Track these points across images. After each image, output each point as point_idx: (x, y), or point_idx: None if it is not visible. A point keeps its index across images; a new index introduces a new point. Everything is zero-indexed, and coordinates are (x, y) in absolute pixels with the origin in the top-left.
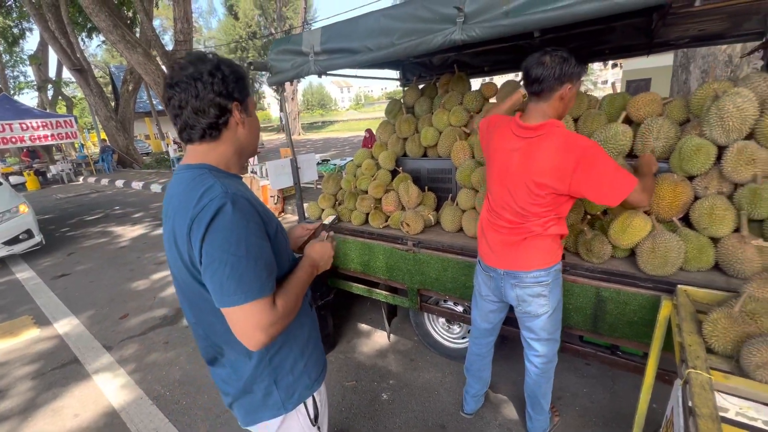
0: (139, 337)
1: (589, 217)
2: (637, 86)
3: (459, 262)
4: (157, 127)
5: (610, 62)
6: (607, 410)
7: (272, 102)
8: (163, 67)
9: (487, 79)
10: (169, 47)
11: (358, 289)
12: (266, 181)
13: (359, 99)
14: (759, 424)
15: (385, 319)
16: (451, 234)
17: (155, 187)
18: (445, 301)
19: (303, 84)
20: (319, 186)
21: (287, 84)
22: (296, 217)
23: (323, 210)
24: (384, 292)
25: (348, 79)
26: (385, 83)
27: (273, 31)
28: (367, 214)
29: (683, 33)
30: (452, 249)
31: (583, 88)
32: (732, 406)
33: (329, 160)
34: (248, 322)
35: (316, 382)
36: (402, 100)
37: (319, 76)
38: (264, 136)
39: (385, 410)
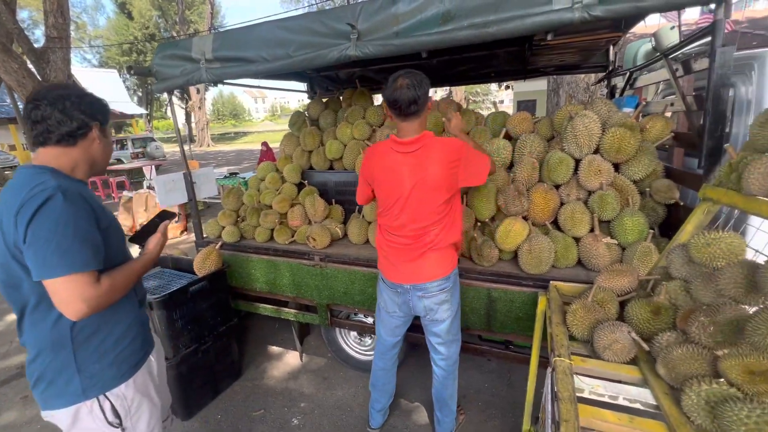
0: None
1: (479, 224)
2: (525, 106)
3: (366, 274)
4: (25, 136)
5: (504, 84)
6: (505, 401)
7: (177, 112)
8: (31, 66)
9: None
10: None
11: (265, 309)
12: None
13: (275, 110)
14: (605, 399)
15: (296, 338)
16: (358, 246)
17: None
18: (355, 314)
19: (212, 93)
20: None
21: (193, 92)
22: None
23: (224, 228)
24: (293, 311)
25: (262, 89)
26: (303, 95)
27: (175, 35)
28: (272, 230)
29: (548, 62)
30: (359, 261)
31: (485, 106)
32: (586, 387)
33: (238, 174)
34: (70, 292)
35: (125, 374)
36: (306, 113)
37: (215, 84)
38: (167, 148)
39: None
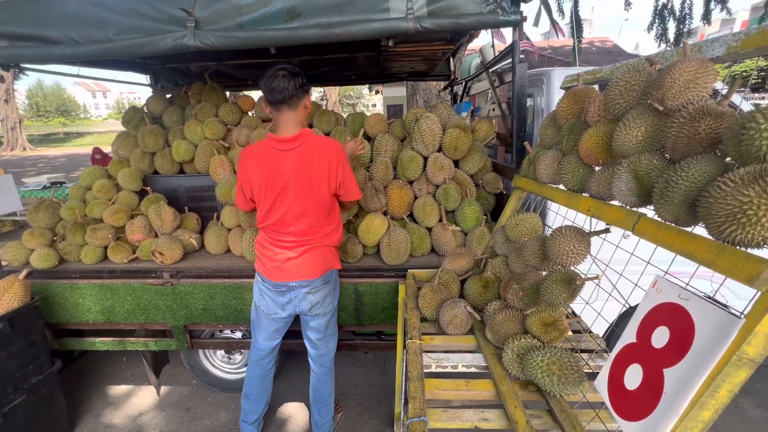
0: None
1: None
2: (394, 110)
3: (228, 285)
4: None
5: (374, 89)
6: (381, 390)
7: None
8: None
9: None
10: None
11: (103, 344)
12: None
13: (121, 106)
14: (449, 369)
15: (149, 371)
16: (218, 257)
17: None
18: (220, 331)
19: (26, 83)
20: None
21: None
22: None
23: (32, 251)
24: (142, 339)
25: (101, 81)
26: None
27: None
28: (105, 248)
29: (402, 68)
30: (219, 273)
31: (358, 109)
32: (432, 362)
33: (64, 183)
34: None
35: None
36: (146, 109)
37: (5, 69)
38: None
39: None
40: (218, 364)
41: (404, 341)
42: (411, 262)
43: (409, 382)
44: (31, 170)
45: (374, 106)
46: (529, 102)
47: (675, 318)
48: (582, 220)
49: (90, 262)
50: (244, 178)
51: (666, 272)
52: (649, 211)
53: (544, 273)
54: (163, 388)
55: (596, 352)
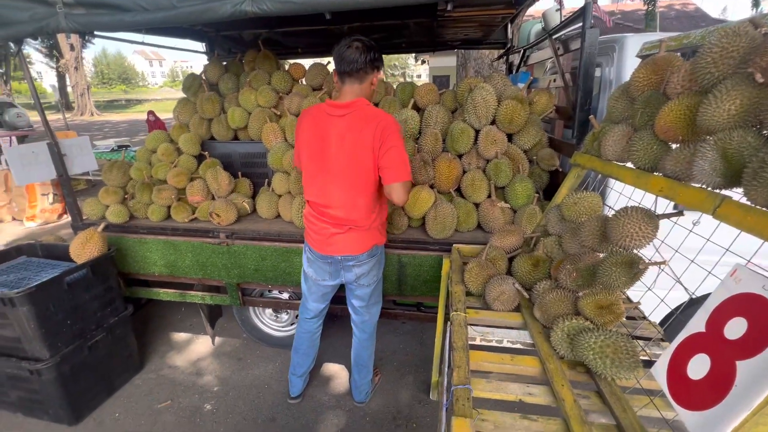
0: None
1: None
2: (440, 81)
3: (278, 249)
4: None
5: (420, 59)
6: (418, 358)
7: (46, 72)
8: None
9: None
10: None
11: (167, 295)
12: None
13: (175, 75)
14: (493, 344)
15: (206, 322)
16: (269, 221)
17: None
18: (269, 291)
19: (93, 51)
20: None
21: (65, 48)
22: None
23: (108, 207)
24: (200, 293)
25: (157, 50)
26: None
27: None
28: (169, 208)
29: (455, 36)
30: (269, 236)
31: (402, 80)
32: (477, 335)
33: (129, 147)
34: None
35: None
36: (203, 76)
37: (82, 37)
38: (35, 116)
39: (207, 421)
40: (267, 321)
41: (446, 314)
42: (456, 236)
43: (454, 352)
44: (98, 134)
45: (419, 76)
46: (596, 72)
47: (756, 309)
48: (647, 202)
49: (156, 219)
50: (297, 139)
51: (749, 261)
52: (733, 194)
53: (600, 255)
54: (217, 339)
55: (653, 341)
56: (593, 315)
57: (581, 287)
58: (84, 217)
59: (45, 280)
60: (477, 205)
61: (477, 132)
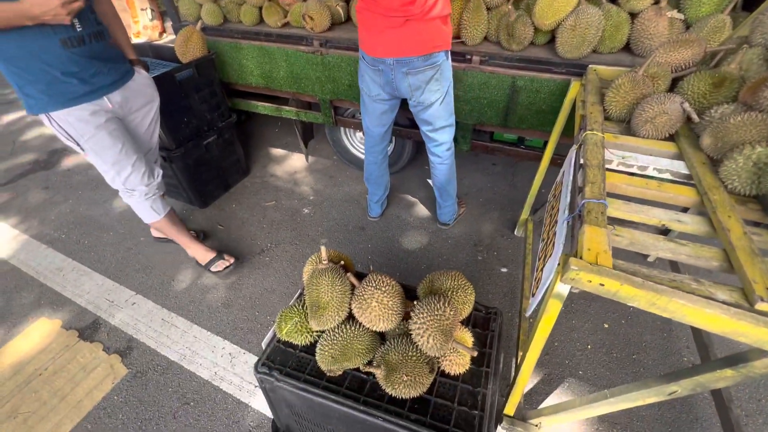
0: (6, 186)
1: None
2: None
3: None
4: None
5: None
6: (505, 199)
7: None
8: None
9: None
10: None
11: (264, 108)
12: None
13: None
14: (634, 170)
15: (300, 140)
16: None
17: None
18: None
19: None
20: None
21: None
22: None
23: (202, 6)
24: (294, 109)
25: None
26: None
27: None
28: (260, 9)
29: None
30: None
31: None
32: (616, 158)
33: None
34: None
35: (61, 104)
36: None
37: None
38: None
39: (306, 222)
40: (356, 144)
41: (569, 145)
42: (591, 58)
43: (587, 169)
44: None
45: None
46: None
47: None
48: None
49: (248, 22)
50: None
51: None
52: None
53: None
54: (310, 158)
55: None
56: None
57: None
58: (182, 20)
59: (158, 74)
60: (633, 17)
61: None
